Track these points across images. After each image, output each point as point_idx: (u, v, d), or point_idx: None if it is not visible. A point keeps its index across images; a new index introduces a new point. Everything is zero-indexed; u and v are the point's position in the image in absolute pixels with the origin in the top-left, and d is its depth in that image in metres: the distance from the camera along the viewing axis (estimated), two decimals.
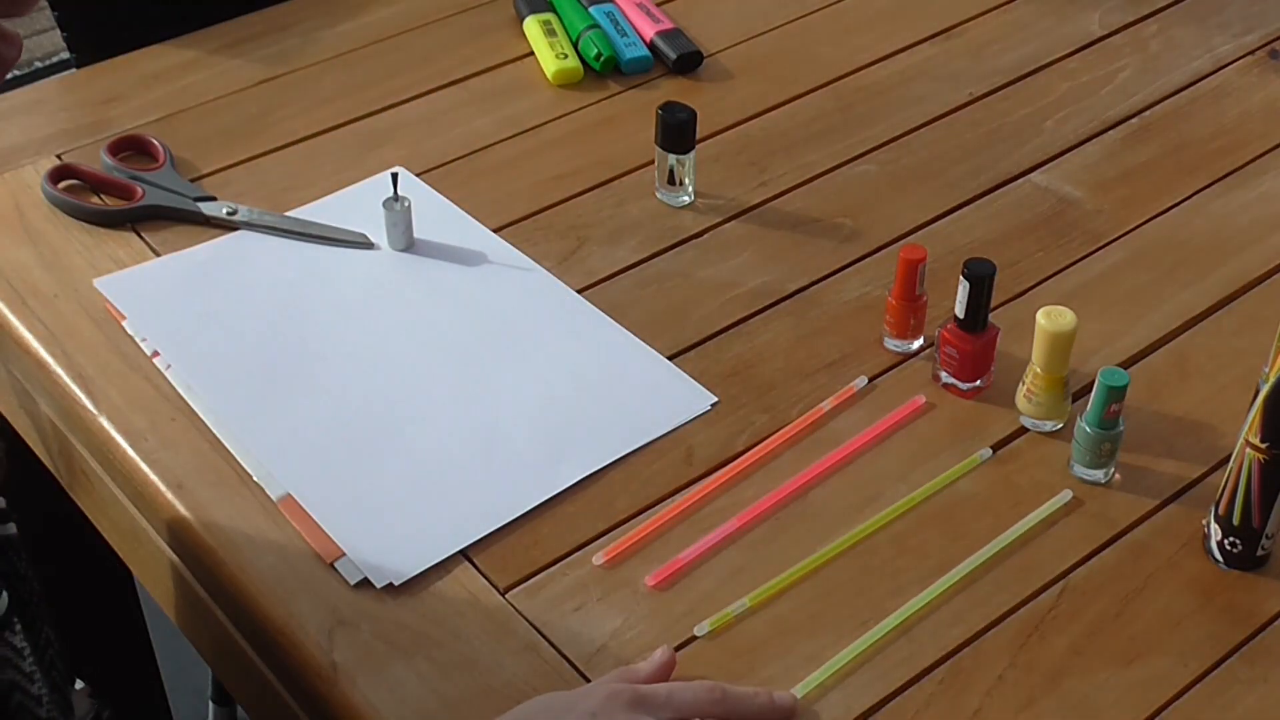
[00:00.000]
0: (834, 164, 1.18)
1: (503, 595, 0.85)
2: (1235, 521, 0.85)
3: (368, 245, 1.09)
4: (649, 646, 0.82)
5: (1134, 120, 1.24)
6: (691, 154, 1.11)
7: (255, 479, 0.91)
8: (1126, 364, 1.00)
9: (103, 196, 1.12)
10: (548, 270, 1.07)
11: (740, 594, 0.85)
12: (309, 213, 1.11)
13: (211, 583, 0.89)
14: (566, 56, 1.26)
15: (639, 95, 1.25)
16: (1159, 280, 1.07)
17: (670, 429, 0.95)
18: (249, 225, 1.10)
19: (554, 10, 1.32)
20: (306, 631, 0.83)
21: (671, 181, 1.12)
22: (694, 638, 0.83)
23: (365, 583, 0.85)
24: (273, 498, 0.90)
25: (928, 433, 0.95)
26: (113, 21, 1.36)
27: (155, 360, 0.99)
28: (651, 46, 1.29)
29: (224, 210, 1.10)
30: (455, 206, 1.12)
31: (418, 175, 1.15)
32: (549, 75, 1.26)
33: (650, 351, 1.00)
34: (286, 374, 0.98)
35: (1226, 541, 0.86)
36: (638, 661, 0.81)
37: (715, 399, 0.97)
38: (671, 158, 1.11)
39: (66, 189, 1.12)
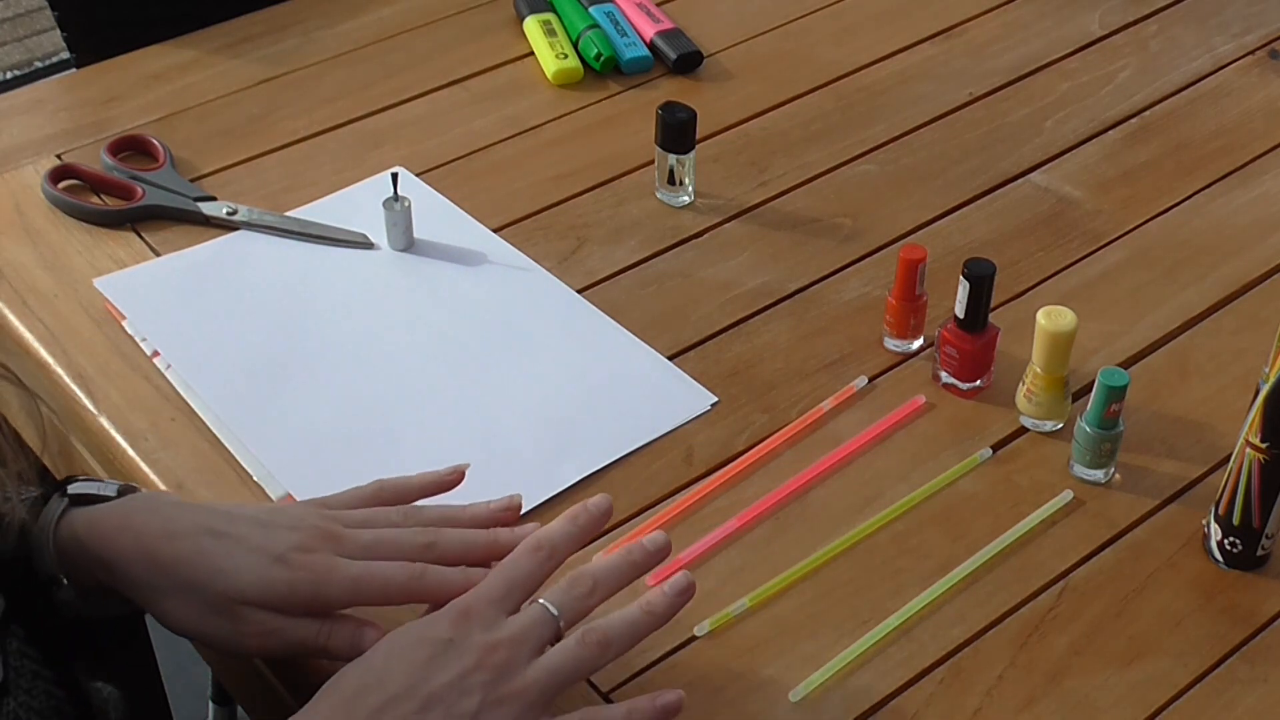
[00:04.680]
0: (834, 164, 1.18)
1: None
2: (1235, 521, 0.85)
3: (368, 245, 1.09)
4: (649, 646, 0.82)
5: (1134, 120, 1.24)
6: (691, 154, 1.11)
7: (255, 479, 0.91)
8: (1126, 364, 1.00)
9: (103, 196, 1.12)
10: (548, 270, 1.07)
11: (740, 594, 0.85)
12: (309, 213, 1.11)
13: None
14: (566, 56, 1.26)
15: (639, 95, 1.25)
16: (1159, 280, 1.07)
17: (670, 429, 0.95)
18: (249, 225, 1.10)
19: (554, 10, 1.32)
20: None
21: (671, 181, 1.12)
22: (694, 638, 0.83)
23: None
24: (273, 498, 0.90)
25: (928, 433, 0.95)
26: (113, 21, 1.36)
27: (155, 360, 0.99)
28: (651, 46, 1.29)
29: (224, 210, 1.10)
30: (455, 206, 1.12)
31: (418, 175, 1.15)
32: (549, 75, 1.26)
33: (650, 351, 1.00)
34: (286, 374, 0.98)
35: (1226, 541, 0.86)
36: (638, 661, 0.81)
37: (715, 399, 0.97)
38: (671, 158, 1.11)
39: (66, 189, 1.12)
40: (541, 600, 0.74)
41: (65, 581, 0.79)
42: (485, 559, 0.78)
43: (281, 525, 0.77)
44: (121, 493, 0.81)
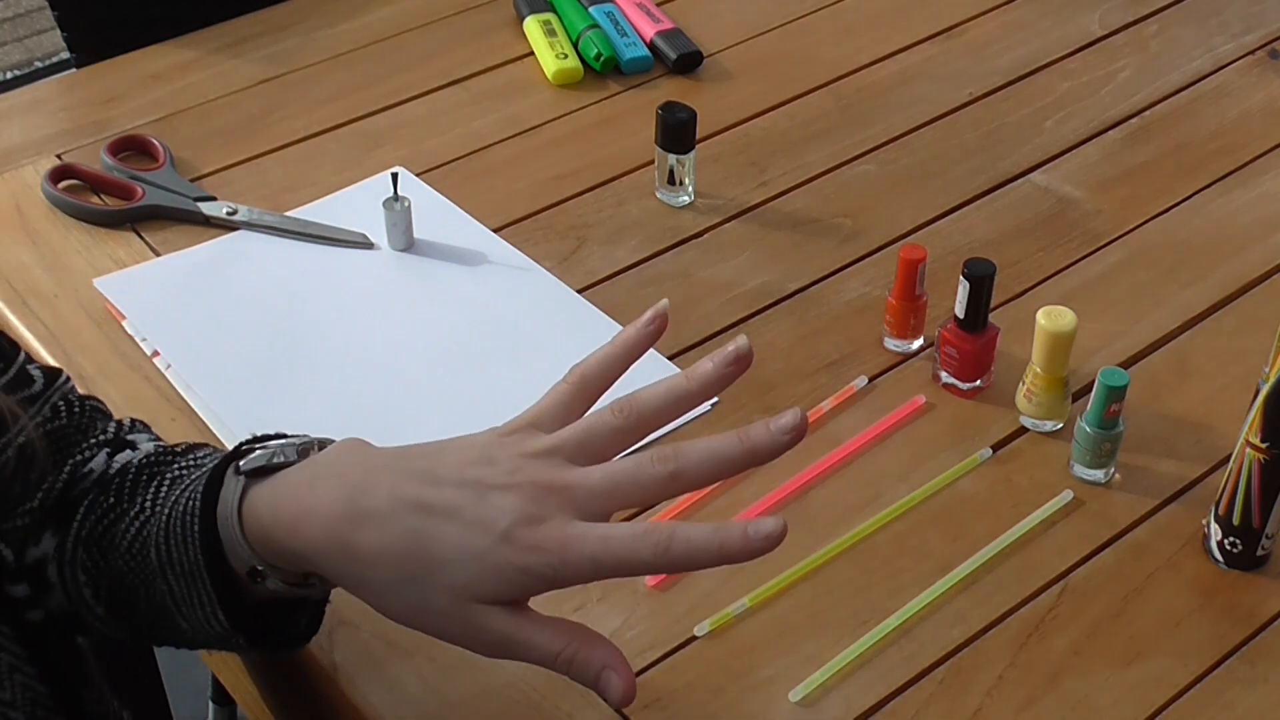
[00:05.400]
0: (834, 164, 1.18)
1: None
2: (1235, 521, 0.85)
3: (368, 245, 1.09)
4: (649, 646, 0.82)
5: (1134, 120, 1.24)
6: (691, 154, 1.12)
7: None
8: (1126, 364, 1.00)
9: (103, 196, 1.12)
10: (548, 270, 1.07)
11: (740, 594, 0.85)
12: (309, 213, 1.11)
13: None
14: (566, 56, 1.26)
15: (639, 95, 1.25)
16: (1159, 280, 1.07)
17: (670, 429, 0.95)
18: (249, 225, 1.10)
19: (554, 10, 1.32)
20: None
21: (671, 181, 1.12)
22: (694, 638, 0.83)
23: None
24: None
25: (928, 433, 0.95)
26: (113, 21, 1.36)
27: (155, 360, 0.99)
28: (651, 46, 1.29)
29: (224, 210, 1.10)
30: (455, 206, 1.12)
31: (418, 175, 1.15)
32: (549, 75, 1.26)
33: (650, 351, 1.00)
34: (286, 374, 0.98)
35: (1226, 541, 0.86)
36: (638, 661, 0.81)
37: (715, 399, 0.97)
38: (671, 158, 1.11)
39: (66, 189, 1.12)
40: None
41: (267, 575, 0.70)
42: (741, 469, 0.67)
43: (496, 484, 0.65)
44: (303, 453, 0.71)
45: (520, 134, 1.21)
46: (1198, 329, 1.03)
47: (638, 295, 1.05)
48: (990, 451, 0.94)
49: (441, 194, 1.13)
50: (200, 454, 0.77)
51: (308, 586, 0.72)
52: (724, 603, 0.84)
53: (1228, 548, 0.86)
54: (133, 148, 1.16)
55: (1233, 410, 0.93)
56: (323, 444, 0.72)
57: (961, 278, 0.93)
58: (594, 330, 1.02)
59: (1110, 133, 1.22)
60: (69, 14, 1.36)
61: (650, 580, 0.85)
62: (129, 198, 1.11)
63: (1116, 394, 0.88)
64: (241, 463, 0.71)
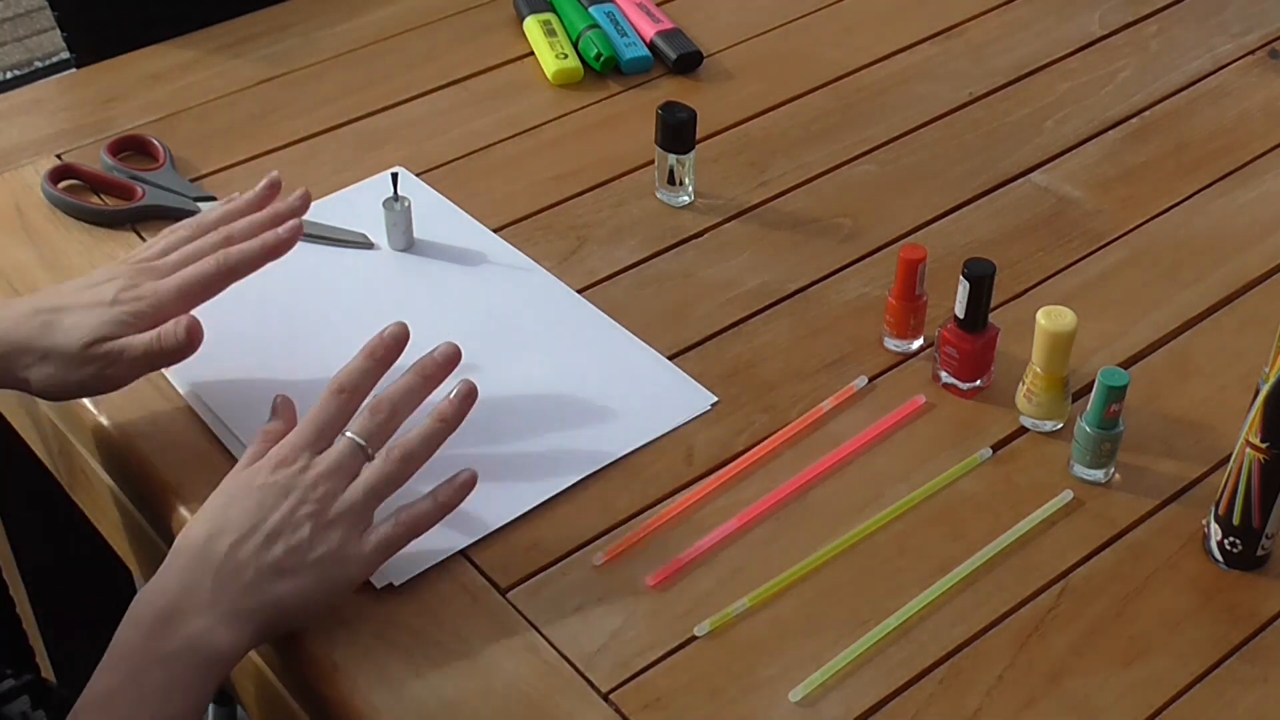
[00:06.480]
0: (834, 164, 1.18)
1: (503, 595, 0.85)
2: (1235, 521, 0.85)
3: (368, 245, 1.09)
4: (649, 646, 0.82)
5: (1134, 120, 1.24)
6: (691, 154, 1.11)
7: None
8: (1126, 364, 1.00)
9: (103, 196, 1.12)
10: (548, 270, 1.07)
11: (740, 594, 0.85)
12: (309, 213, 1.10)
13: None
14: (566, 56, 1.26)
15: (639, 95, 1.25)
16: (1159, 280, 1.07)
17: (670, 429, 0.95)
18: None
19: (554, 10, 1.32)
20: (307, 631, 0.83)
21: (671, 181, 1.12)
22: (694, 638, 0.83)
23: (365, 582, 0.85)
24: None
25: (928, 433, 0.95)
26: (113, 21, 1.36)
27: None
28: (651, 46, 1.29)
29: None
30: (455, 206, 1.12)
31: (418, 175, 1.15)
32: (549, 75, 1.26)
33: (650, 351, 1.00)
34: (287, 374, 0.98)
35: (1226, 541, 0.86)
36: (638, 661, 0.81)
37: (715, 399, 0.97)
38: (671, 158, 1.11)
39: (66, 189, 1.12)
40: (348, 433, 0.84)
41: None
42: (272, 227, 0.94)
43: (100, 281, 0.89)
44: None
45: (520, 134, 1.21)
46: (1198, 329, 1.04)
47: (638, 295, 1.05)
48: (990, 451, 0.94)
49: (441, 194, 1.13)
50: None
51: None
52: (724, 603, 0.84)
53: (1228, 548, 0.86)
54: (133, 148, 1.16)
55: (1233, 410, 0.93)
56: None
57: (961, 278, 0.93)
58: (594, 330, 1.02)
59: (1110, 133, 1.22)
60: (69, 14, 1.36)
61: (650, 580, 0.85)
62: (129, 198, 1.11)
63: (1116, 394, 0.88)
64: None
